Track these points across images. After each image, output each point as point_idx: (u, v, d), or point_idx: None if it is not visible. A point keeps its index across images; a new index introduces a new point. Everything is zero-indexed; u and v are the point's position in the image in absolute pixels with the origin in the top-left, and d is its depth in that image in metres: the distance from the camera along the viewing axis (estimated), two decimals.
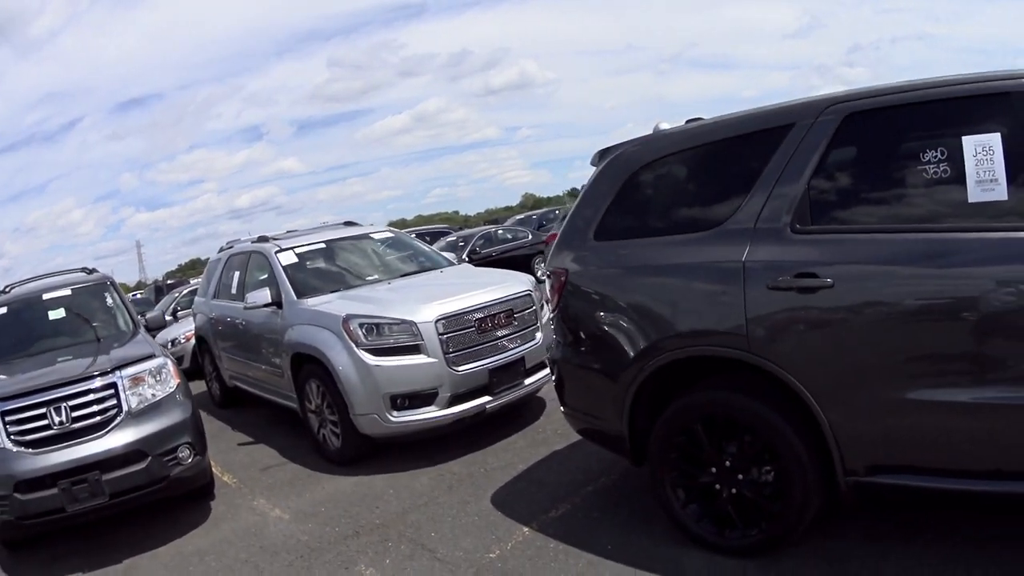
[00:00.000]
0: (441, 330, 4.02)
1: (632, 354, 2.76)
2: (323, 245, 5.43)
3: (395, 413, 4.00)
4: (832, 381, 2.37)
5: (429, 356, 4.01)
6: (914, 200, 2.36)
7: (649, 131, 3.02)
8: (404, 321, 4.04)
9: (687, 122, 3.02)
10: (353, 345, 4.05)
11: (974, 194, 2.18)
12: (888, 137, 2.45)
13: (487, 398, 4.06)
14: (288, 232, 5.88)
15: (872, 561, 2.46)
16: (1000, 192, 2.14)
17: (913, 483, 2.30)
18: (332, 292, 4.76)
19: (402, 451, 4.18)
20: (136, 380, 3.70)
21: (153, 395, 3.73)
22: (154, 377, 3.77)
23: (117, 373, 3.67)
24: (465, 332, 4.08)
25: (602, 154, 3.11)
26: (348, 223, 6.17)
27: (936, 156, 2.27)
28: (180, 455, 3.66)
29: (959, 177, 2.21)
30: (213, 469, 4.39)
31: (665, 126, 3.03)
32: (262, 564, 3.24)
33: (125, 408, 3.61)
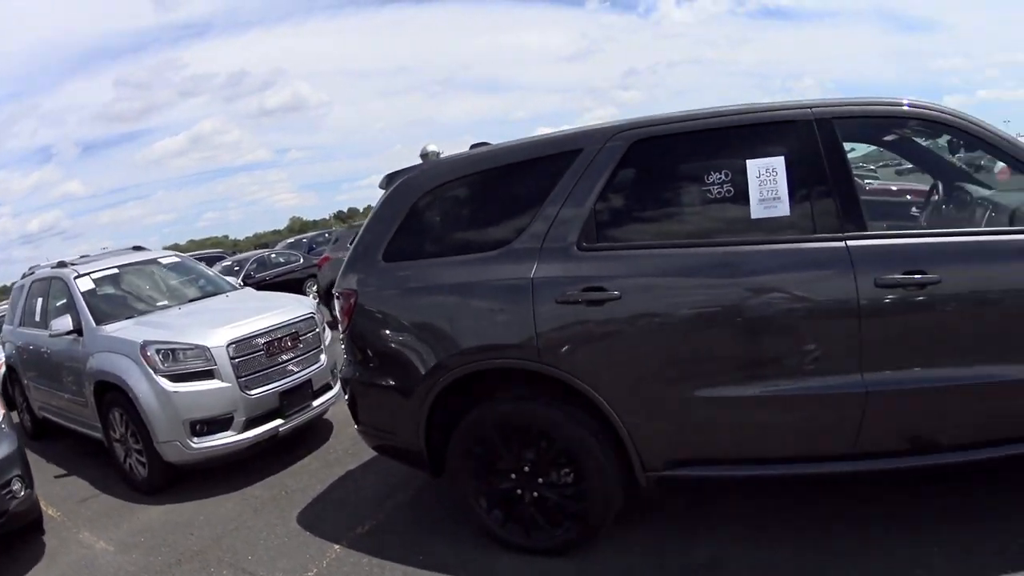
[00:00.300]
0: (232, 354, 4.01)
1: (425, 370, 2.74)
2: (116, 271, 5.25)
3: (195, 439, 3.94)
4: (624, 385, 2.50)
5: (223, 381, 3.98)
6: (699, 218, 2.57)
7: (416, 153, 3.14)
8: (197, 346, 3.99)
9: (472, 147, 3.09)
10: (152, 371, 3.95)
11: (757, 211, 2.41)
12: (674, 161, 2.65)
13: (279, 421, 4.09)
14: (82, 257, 5.65)
15: (682, 547, 2.64)
16: (783, 209, 2.39)
17: (710, 473, 2.53)
18: (128, 318, 4.64)
19: (205, 477, 4.11)
20: None
21: None
22: None
23: None
24: (255, 356, 4.10)
25: (390, 178, 3.08)
26: (136, 248, 6.06)
27: (720, 178, 2.48)
28: (13, 488, 3.43)
29: (742, 196, 2.43)
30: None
31: (432, 147, 3.17)
32: None
33: None
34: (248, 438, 3.99)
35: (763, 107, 2.59)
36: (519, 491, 2.71)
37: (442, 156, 3.12)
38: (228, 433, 3.96)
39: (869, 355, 2.32)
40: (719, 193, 2.47)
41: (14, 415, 6.18)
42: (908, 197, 3.46)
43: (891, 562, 2.36)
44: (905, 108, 2.53)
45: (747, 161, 2.44)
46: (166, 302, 5.09)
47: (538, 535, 2.71)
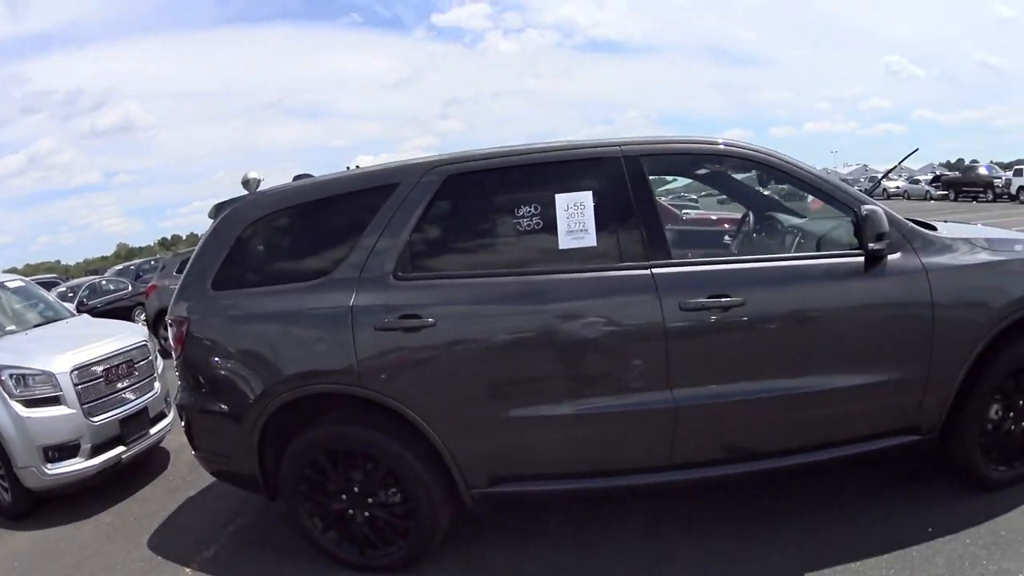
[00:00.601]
0: (76, 380, 3.98)
1: (253, 396, 2.77)
2: None
3: (48, 465, 3.89)
4: (443, 407, 2.61)
5: (69, 407, 3.94)
6: (510, 248, 2.69)
7: (239, 180, 3.10)
8: (45, 372, 3.94)
9: (295, 178, 3.15)
10: (7, 396, 3.86)
11: (564, 242, 2.57)
12: (486, 195, 2.78)
13: (122, 448, 4.05)
14: None
15: (514, 560, 2.78)
16: (590, 240, 2.56)
17: (532, 488, 2.68)
18: None
19: (63, 503, 4.06)
20: None
21: None
22: None
23: None
24: (95, 383, 4.09)
25: (218, 208, 3.08)
26: None
27: (530, 211, 2.61)
28: None
29: (551, 228, 2.58)
30: None
31: (254, 175, 3.16)
32: None
33: None
34: (94, 465, 3.94)
35: (573, 144, 2.77)
36: (351, 511, 2.79)
37: (262, 183, 3.13)
38: (77, 460, 3.93)
39: (678, 373, 2.52)
40: (529, 225, 2.60)
41: None
42: (726, 225, 3.74)
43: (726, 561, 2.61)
44: (720, 147, 2.82)
45: (556, 195, 2.58)
46: (13, 327, 4.87)
47: (372, 553, 2.80)
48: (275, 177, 3.13)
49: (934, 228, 3.02)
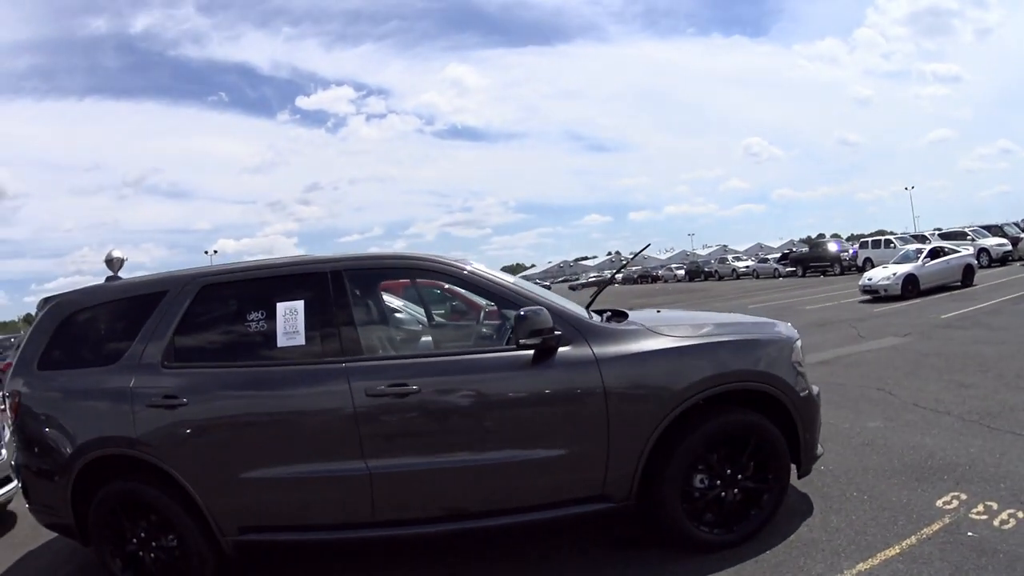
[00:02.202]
0: None
1: (65, 457, 3.50)
2: None
3: None
4: (197, 468, 3.31)
5: None
6: (245, 345, 3.43)
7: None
8: None
9: (107, 279, 3.96)
10: None
11: (281, 341, 3.29)
12: (230, 301, 3.54)
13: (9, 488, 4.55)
14: None
15: None
16: (300, 340, 3.28)
17: (276, 538, 3.33)
18: None
19: None
20: None
21: None
22: None
23: None
24: None
25: (45, 301, 3.88)
26: None
27: (259, 315, 3.38)
28: None
29: (274, 329, 3.32)
30: None
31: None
32: None
33: None
34: None
35: (294, 261, 3.54)
36: (140, 553, 3.49)
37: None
38: None
39: (369, 446, 3.12)
40: (259, 327, 3.37)
41: None
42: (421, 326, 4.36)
43: None
44: (409, 261, 3.60)
45: (277, 303, 3.34)
46: None
47: None
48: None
49: (626, 316, 3.77)
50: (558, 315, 3.17)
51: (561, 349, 3.11)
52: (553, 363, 3.09)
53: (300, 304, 3.30)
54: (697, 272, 47.32)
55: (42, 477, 3.67)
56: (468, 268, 3.49)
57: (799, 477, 3.57)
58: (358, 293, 3.41)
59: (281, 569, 3.66)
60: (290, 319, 3.29)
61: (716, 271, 43.91)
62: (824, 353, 8.85)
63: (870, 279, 16.03)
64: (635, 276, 61.93)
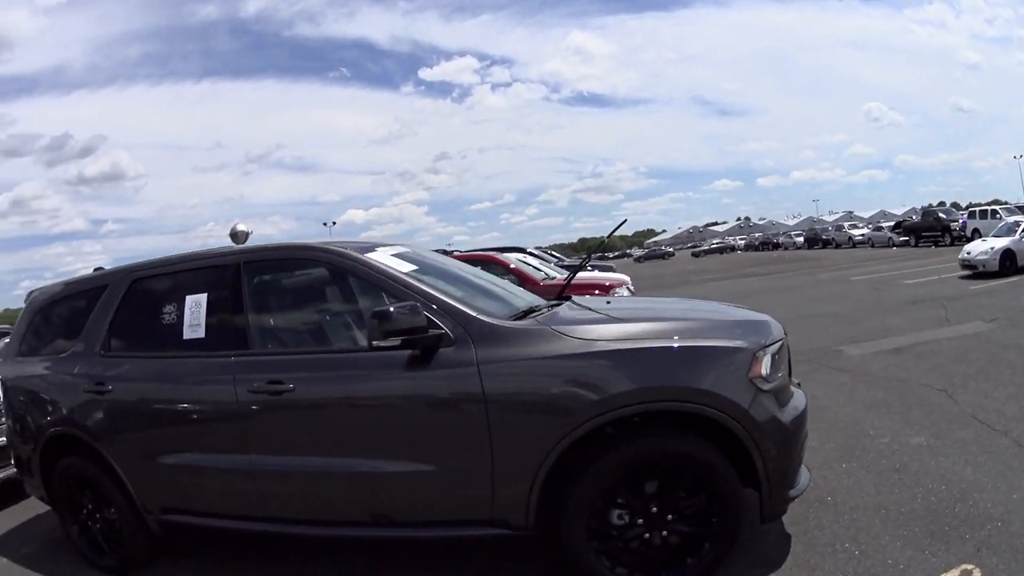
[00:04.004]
0: None
1: (32, 432, 3.90)
2: None
3: None
4: (123, 450, 3.51)
5: None
6: (158, 336, 3.56)
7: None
8: None
9: (95, 270, 4.15)
10: None
11: (188, 333, 3.38)
12: (153, 295, 3.67)
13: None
14: None
15: None
16: (200, 332, 3.34)
17: (193, 522, 3.44)
18: None
19: None
20: None
21: None
22: None
23: None
24: None
25: (29, 294, 4.29)
26: None
27: (172, 308, 3.48)
28: None
29: (181, 322, 3.41)
30: None
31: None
32: None
33: None
34: None
35: (204, 254, 3.58)
36: (88, 522, 3.81)
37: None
38: None
39: (252, 441, 3.08)
40: (170, 319, 3.48)
41: None
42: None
43: None
44: (306, 251, 3.37)
45: (187, 296, 3.43)
46: None
47: (103, 558, 3.77)
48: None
49: (567, 300, 3.51)
50: (445, 312, 2.80)
51: (444, 351, 2.73)
52: (430, 366, 2.72)
53: (203, 297, 3.34)
54: (815, 240, 46.73)
55: (22, 453, 4.10)
56: (359, 257, 3.13)
57: (762, 522, 2.82)
58: (253, 286, 3.32)
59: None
60: (195, 312, 3.36)
61: (833, 239, 43.44)
62: (902, 338, 7.97)
63: (968, 253, 14.38)
64: (756, 243, 59.77)
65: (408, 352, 2.74)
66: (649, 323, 2.93)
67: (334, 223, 56.16)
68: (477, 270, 4.25)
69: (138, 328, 3.67)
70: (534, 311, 3.14)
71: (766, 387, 2.68)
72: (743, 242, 71.33)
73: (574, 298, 3.69)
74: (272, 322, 3.37)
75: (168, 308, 3.49)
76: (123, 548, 3.68)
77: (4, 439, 4.70)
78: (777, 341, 2.87)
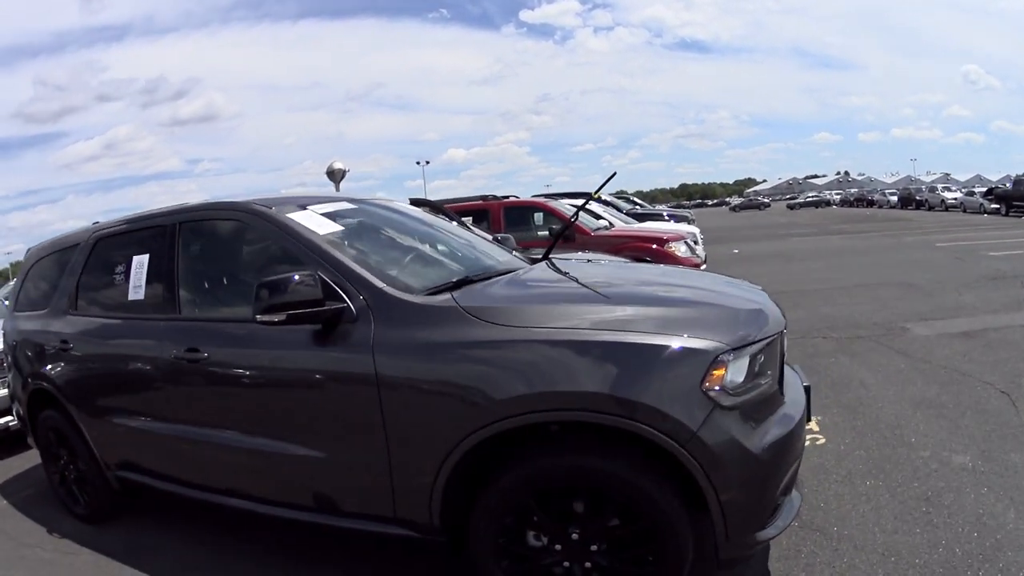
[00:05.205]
0: None
1: (23, 381, 4.10)
2: None
3: None
4: (82, 406, 3.62)
5: None
6: (111, 297, 3.60)
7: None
8: None
9: (93, 224, 4.12)
10: None
11: (131, 294, 3.39)
12: (110, 254, 3.69)
13: (11, 417, 5.01)
14: None
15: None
16: (141, 293, 3.34)
17: (146, 481, 3.45)
18: None
19: None
20: None
21: None
22: None
23: None
24: None
25: (28, 250, 4.45)
26: None
27: (123, 268, 3.50)
28: None
29: (127, 283, 3.42)
30: None
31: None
32: None
33: None
34: None
35: (151, 214, 3.51)
36: (65, 472, 3.99)
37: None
38: None
39: (179, 409, 3.04)
40: (120, 280, 3.50)
41: None
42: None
43: None
44: (230, 211, 3.09)
45: (134, 257, 3.42)
46: None
47: (77, 507, 3.95)
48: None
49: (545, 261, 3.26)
50: (352, 283, 2.51)
51: (346, 327, 2.45)
52: (327, 343, 2.48)
53: (145, 259, 3.31)
54: (909, 200, 45.29)
55: (17, 403, 4.34)
56: (275, 217, 2.87)
57: (718, 568, 2.24)
58: (185, 248, 3.22)
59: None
60: (138, 273, 3.36)
61: (927, 200, 42.11)
62: (973, 320, 7.12)
63: None
64: (851, 199, 57.65)
65: (311, 327, 2.50)
66: (586, 306, 2.35)
67: (427, 162, 56.35)
68: (459, 229, 3.95)
69: (97, 287, 3.72)
70: (466, 282, 2.72)
71: (728, 402, 2.07)
72: (838, 197, 69.45)
73: (552, 259, 3.39)
74: (198, 286, 3.25)
75: (120, 269, 3.51)
76: (92, 499, 3.83)
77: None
78: (762, 339, 2.23)
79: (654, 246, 8.10)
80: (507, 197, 10.12)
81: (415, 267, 3.08)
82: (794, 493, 2.42)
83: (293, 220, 2.85)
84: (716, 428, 2.05)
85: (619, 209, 15.13)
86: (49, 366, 3.78)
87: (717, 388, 2.07)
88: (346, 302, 2.46)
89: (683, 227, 10.73)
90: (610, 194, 20.59)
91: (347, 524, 2.60)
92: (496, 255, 3.48)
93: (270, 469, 2.77)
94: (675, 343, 2.10)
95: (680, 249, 8.20)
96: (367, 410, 2.38)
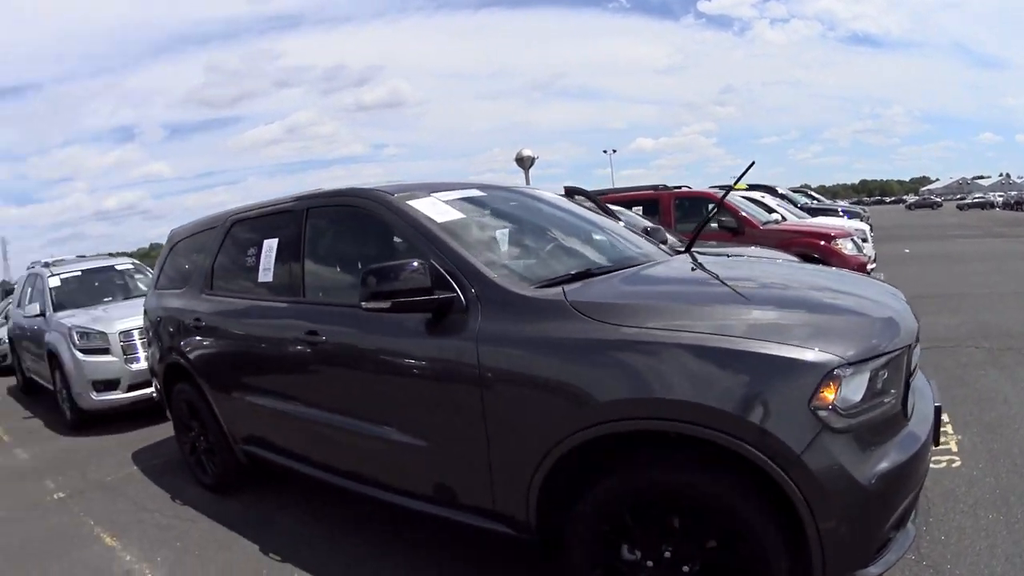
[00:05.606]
0: (122, 340, 6.00)
1: (160, 355, 4.39)
2: (79, 273, 7.53)
3: (95, 394, 5.98)
4: (211, 381, 3.83)
5: (114, 356, 5.99)
6: (244, 278, 3.73)
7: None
8: (101, 332, 6.04)
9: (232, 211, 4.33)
10: (72, 346, 6.06)
11: (261, 276, 3.51)
12: (244, 237, 3.85)
13: (151, 390, 5.32)
14: (59, 260, 7.98)
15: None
16: (269, 276, 3.46)
17: (267, 456, 3.61)
18: (76, 308, 6.79)
19: (103, 421, 6.06)
20: None
21: None
22: None
23: None
24: (134, 342, 6.01)
25: (171, 231, 4.74)
26: (110, 255, 8.42)
27: (254, 251, 3.63)
28: None
29: (257, 266, 3.55)
30: None
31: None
32: (1, 478, 5.14)
33: None
34: (129, 398, 5.95)
35: (285, 199, 3.58)
36: (195, 443, 4.21)
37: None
38: (117, 393, 5.94)
39: (303, 391, 3.12)
40: (251, 262, 3.62)
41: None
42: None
43: None
44: (353, 197, 3.10)
45: (265, 240, 3.54)
46: (109, 298, 7.15)
47: (205, 476, 4.18)
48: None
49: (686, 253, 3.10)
50: (463, 273, 2.45)
51: (455, 317, 2.40)
52: (435, 332, 2.44)
53: (275, 242, 3.41)
54: None
55: (155, 376, 4.66)
56: (393, 203, 2.87)
57: None
58: (312, 232, 3.28)
59: None
60: (268, 255, 3.47)
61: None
62: None
63: None
64: (1012, 201, 54.32)
65: (421, 315, 2.46)
66: (698, 307, 2.15)
67: (614, 151, 55.59)
68: (602, 219, 3.72)
69: (230, 269, 3.90)
70: (586, 275, 2.56)
71: (839, 423, 1.82)
72: (1000, 199, 65.22)
73: (693, 252, 3.20)
74: (321, 270, 3.31)
75: (252, 251, 3.64)
76: (219, 470, 4.03)
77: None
78: (888, 353, 1.95)
79: (822, 242, 7.84)
80: (679, 187, 9.96)
81: (535, 258, 3.00)
82: (909, 525, 2.14)
83: (412, 207, 2.83)
84: (822, 452, 1.80)
85: (794, 203, 14.87)
86: (184, 342, 4.01)
87: (828, 407, 1.82)
88: (456, 292, 2.41)
89: (852, 224, 10.24)
90: (791, 188, 20.32)
91: (448, 514, 2.57)
92: (635, 247, 3.31)
93: (376, 454, 2.80)
94: (784, 353, 1.86)
95: (847, 246, 7.91)
96: (469, 401, 2.33)
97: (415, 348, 2.53)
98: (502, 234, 3.15)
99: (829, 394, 1.82)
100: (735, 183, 4.17)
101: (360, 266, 3.08)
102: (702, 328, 1.98)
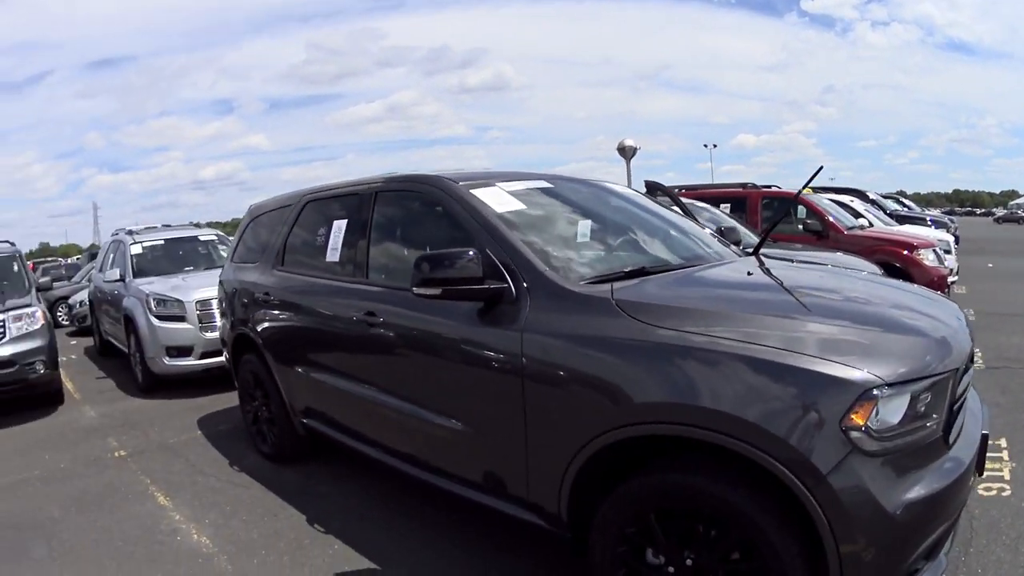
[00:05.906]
0: (199, 308, 6.17)
1: (228, 332, 4.63)
2: (162, 242, 7.75)
3: (168, 359, 6.21)
4: (275, 352, 3.98)
5: (189, 324, 6.18)
6: (313, 256, 3.84)
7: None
8: (179, 300, 6.22)
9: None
10: (148, 312, 6.28)
11: (329, 255, 3.61)
12: (316, 216, 3.97)
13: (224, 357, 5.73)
14: (146, 228, 8.19)
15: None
16: (335, 256, 3.56)
17: (324, 431, 3.73)
18: (156, 275, 7.02)
19: (174, 386, 6.33)
20: (17, 318, 5.86)
21: (26, 328, 5.87)
22: (29, 318, 5.98)
23: (8, 313, 5.91)
24: (210, 311, 6.15)
25: (251, 207, 4.90)
26: (195, 225, 8.72)
27: (324, 231, 3.75)
28: (36, 367, 5.79)
29: (326, 245, 3.66)
30: (71, 390, 6.80)
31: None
32: (68, 433, 5.38)
33: (8, 335, 5.78)
34: (202, 364, 6.18)
35: (356, 182, 3.67)
36: (258, 413, 4.38)
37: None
38: (189, 359, 6.18)
39: (361, 370, 3.18)
40: (321, 241, 3.73)
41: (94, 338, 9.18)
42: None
43: None
44: (419, 183, 3.14)
45: (335, 221, 3.63)
46: (190, 268, 7.34)
47: (264, 445, 4.34)
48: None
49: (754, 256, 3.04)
50: (515, 264, 2.47)
51: (504, 307, 2.43)
52: (484, 321, 2.48)
53: (344, 223, 3.49)
54: None
55: (224, 345, 4.88)
56: (456, 191, 2.88)
57: None
58: (379, 215, 3.34)
59: None
60: (336, 236, 3.56)
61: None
62: None
63: None
64: None
65: (472, 303, 2.51)
66: (743, 314, 2.08)
67: (715, 146, 57.01)
68: (675, 216, 3.63)
69: (301, 247, 4.03)
70: (641, 273, 2.54)
71: (871, 446, 1.73)
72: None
73: (759, 256, 3.13)
74: (384, 253, 3.36)
75: (322, 231, 3.76)
76: (278, 440, 4.18)
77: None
78: (934, 375, 1.86)
79: (903, 251, 7.62)
80: (768, 187, 9.75)
81: (593, 253, 2.93)
82: (941, 557, 2.02)
83: (473, 195, 2.84)
84: (850, 475, 1.72)
85: (883, 209, 14.51)
86: (253, 315, 4.17)
87: (861, 428, 1.73)
88: (507, 282, 2.43)
89: (937, 234, 9.85)
90: (884, 194, 20.00)
91: (484, 500, 2.60)
92: (704, 246, 3.22)
93: (422, 436, 2.86)
94: (820, 368, 1.78)
95: (928, 257, 7.65)
96: (511, 390, 2.36)
97: (464, 335, 2.56)
98: (563, 227, 3.13)
99: (863, 414, 1.74)
100: (804, 187, 4.04)
101: (419, 251, 3.10)
102: (739, 336, 1.93)
